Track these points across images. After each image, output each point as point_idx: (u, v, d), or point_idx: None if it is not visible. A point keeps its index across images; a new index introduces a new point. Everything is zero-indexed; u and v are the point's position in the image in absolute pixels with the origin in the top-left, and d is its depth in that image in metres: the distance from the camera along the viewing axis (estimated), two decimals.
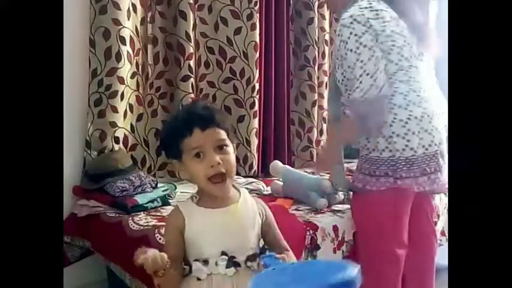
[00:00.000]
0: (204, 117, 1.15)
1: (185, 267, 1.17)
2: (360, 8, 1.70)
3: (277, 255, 1.10)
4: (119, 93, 2.26)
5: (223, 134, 1.16)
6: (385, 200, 1.72)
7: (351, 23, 1.68)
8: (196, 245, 1.16)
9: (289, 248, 1.27)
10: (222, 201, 1.19)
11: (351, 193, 1.91)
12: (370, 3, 1.71)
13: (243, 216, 1.20)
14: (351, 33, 1.67)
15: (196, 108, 1.19)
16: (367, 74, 1.65)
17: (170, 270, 1.07)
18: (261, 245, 1.24)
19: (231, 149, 1.17)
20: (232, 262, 1.15)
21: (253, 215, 1.22)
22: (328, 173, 2.54)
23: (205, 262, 1.14)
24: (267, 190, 2.35)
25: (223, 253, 1.15)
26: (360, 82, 1.66)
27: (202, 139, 1.13)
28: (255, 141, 2.73)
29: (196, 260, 1.15)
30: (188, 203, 1.20)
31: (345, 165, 2.02)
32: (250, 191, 2.35)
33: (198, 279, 1.15)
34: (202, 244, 1.15)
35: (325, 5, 2.89)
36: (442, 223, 2.24)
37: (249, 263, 1.16)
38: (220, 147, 1.15)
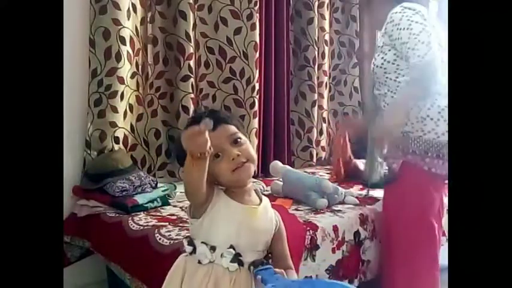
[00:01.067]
0: (212, 117, 1.14)
1: (188, 246, 1.17)
2: (401, 6, 1.84)
3: (276, 270, 1.11)
4: (119, 93, 2.26)
5: (233, 129, 1.18)
6: (403, 179, 1.84)
7: (402, 10, 1.83)
8: (209, 229, 1.15)
9: (293, 268, 1.27)
10: (243, 197, 1.19)
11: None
12: (414, 7, 1.84)
13: (261, 220, 1.20)
14: (402, 15, 1.81)
15: (200, 113, 1.21)
16: (422, 42, 1.75)
17: (202, 162, 1.05)
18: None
19: (245, 140, 1.19)
20: (237, 259, 1.15)
21: (270, 222, 1.23)
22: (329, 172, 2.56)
23: (212, 249, 1.14)
24: (267, 190, 2.36)
25: (232, 247, 1.15)
26: (417, 49, 1.75)
27: (215, 139, 1.12)
28: (255, 141, 2.73)
29: (203, 243, 1.15)
30: (217, 187, 1.19)
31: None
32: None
33: (199, 262, 1.15)
34: (216, 230, 1.15)
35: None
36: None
37: (251, 268, 1.16)
38: (235, 141, 1.16)
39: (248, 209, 1.19)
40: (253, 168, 1.19)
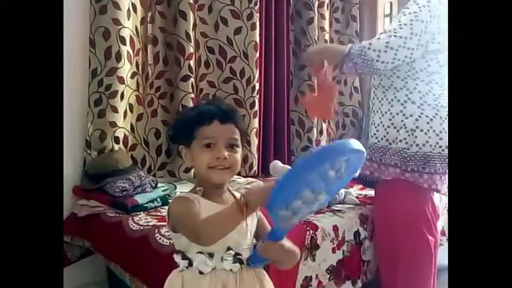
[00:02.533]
0: (226, 111, 1.17)
1: (182, 261, 1.15)
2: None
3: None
4: (119, 93, 2.26)
5: (237, 134, 1.18)
6: (394, 191, 1.81)
7: (423, 6, 1.77)
8: None
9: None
10: (220, 198, 1.18)
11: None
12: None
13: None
14: (415, 12, 1.76)
15: (219, 103, 1.20)
16: (387, 43, 1.73)
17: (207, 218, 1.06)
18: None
19: (239, 150, 1.19)
20: (237, 258, 1.14)
21: (252, 217, 1.22)
22: None
23: (210, 255, 1.13)
24: None
25: (229, 248, 1.14)
26: (377, 39, 1.77)
27: (218, 131, 1.14)
28: (255, 141, 2.73)
29: (200, 253, 1.13)
30: (192, 194, 1.17)
31: None
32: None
33: (200, 272, 1.13)
34: None
35: None
36: (442, 223, 2.24)
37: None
38: (231, 146, 1.16)
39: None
40: (229, 176, 1.18)
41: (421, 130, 1.74)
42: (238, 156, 1.17)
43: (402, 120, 1.77)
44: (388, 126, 1.80)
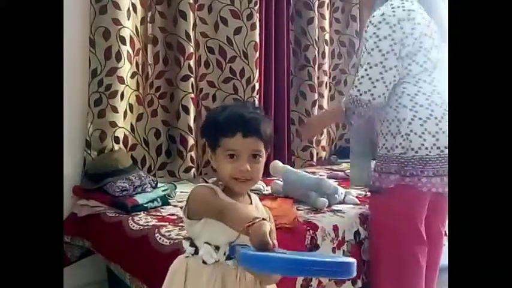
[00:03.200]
0: (249, 125, 1.16)
1: (190, 247, 1.17)
2: (393, 8, 1.74)
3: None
4: (119, 93, 2.26)
5: (261, 145, 1.18)
6: (395, 199, 1.76)
7: (379, 22, 1.73)
8: (212, 229, 1.15)
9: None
10: (238, 198, 1.20)
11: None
12: (403, 3, 1.74)
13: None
14: (374, 33, 1.73)
15: (245, 112, 1.18)
16: (369, 79, 1.71)
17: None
18: None
19: (262, 159, 1.20)
20: None
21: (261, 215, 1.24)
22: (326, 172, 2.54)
23: (216, 248, 1.15)
24: (267, 190, 2.35)
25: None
26: (360, 83, 1.73)
27: (240, 145, 1.15)
28: None
29: (206, 243, 1.15)
30: (214, 186, 1.20)
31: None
32: (251, 190, 2.35)
33: (204, 262, 1.15)
34: (219, 230, 1.13)
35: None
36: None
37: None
38: (254, 156, 1.17)
39: (248, 207, 1.20)
40: (250, 186, 1.21)
41: (415, 133, 1.71)
42: (261, 166, 1.19)
43: (397, 126, 1.75)
44: (386, 134, 1.78)
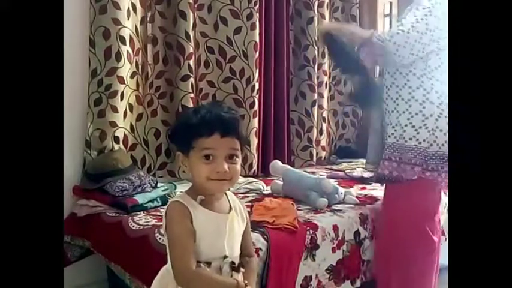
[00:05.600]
0: (227, 124, 1.12)
1: None
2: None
3: None
4: (119, 93, 2.26)
5: (238, 144, 1.15)
6: (416, 191, 1.83)
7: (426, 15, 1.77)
8: (199, 245, 1.13)
9: (254, 255, 1.31)
10: (214, 204, 1.18)
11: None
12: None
13: (239, 222, 1.21)
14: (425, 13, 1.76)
15: (221, 111, 1.14)
16: (414, 27, 1.74)
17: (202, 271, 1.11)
18: None
19: (239, 159, 1.16)
20: (234, 267, 1.15)
21: (243, 221, 1.23)
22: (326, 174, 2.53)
23: (208, 264, 1.13)
24: (267, 190, 2.36)
25: (225, 257, 1.14)
26: (412, 26, 1.75)
27: (218, 144, 1.11)
28: (254, 141, 2.73)
29: (197, 261, 1.13)
30: (189, 200, 1.16)
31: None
32: (250, 190, 2.36)
33: None
34: (205, 246, 1.13)
35: None
36: (442, 223, 2.24)
37: (241, 269, 1.17)
38: (231, 156, 1.13)
39: (224, 218, 1.17)
40: (228, 187, 1.18)
41: (441, 130, 1.78)
42: (238, 166, 1.15)
43: (423, 120, 1.80)
44: (406, 125, 1.81)
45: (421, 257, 1.86)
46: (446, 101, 1.79)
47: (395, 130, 1.85)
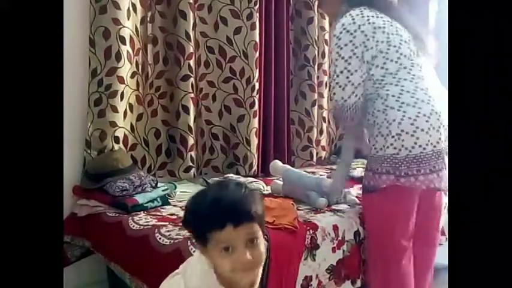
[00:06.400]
0: (237, 212, 1.04)
1: None
2: (352, 16, 1.81)
3: None
4: (119, 92, 2.26)
5: (255, 227, 1.06)
6: (389, 199, 1.78)
7: (340, 33, 1.80)
8: None
9: None
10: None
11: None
12: (362, 11, 1.81)
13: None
14: (335, 44, 1.81)
15: (230, 197, 1.05)
16: (339, 86, 1.79)
17: None
18: None
19: (261, 240, 1.07)
20: None
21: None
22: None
23: None
24: (267, 190, 2.36)
25: None
26: (334, 93, 1.83)
27: (234, 235, 1.03)
28: (255, 141, 2.73)
29: None
30: (209, 276, 1.08)
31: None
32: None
33: None
34: None
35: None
36: (441, 223, 2.24)
37: None
38: (252, 240, 1.05)
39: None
40: (256, 272, 1.08)
41: (407, 133, 1.71)
42: (261, 248, 1.06)
43: (387, 127, 1.75)
44: (376, 135, 1.79)
45: (394, 262, 1.84)
46: (407, 100, 1.73)
47: (369, 142, 1.89)
